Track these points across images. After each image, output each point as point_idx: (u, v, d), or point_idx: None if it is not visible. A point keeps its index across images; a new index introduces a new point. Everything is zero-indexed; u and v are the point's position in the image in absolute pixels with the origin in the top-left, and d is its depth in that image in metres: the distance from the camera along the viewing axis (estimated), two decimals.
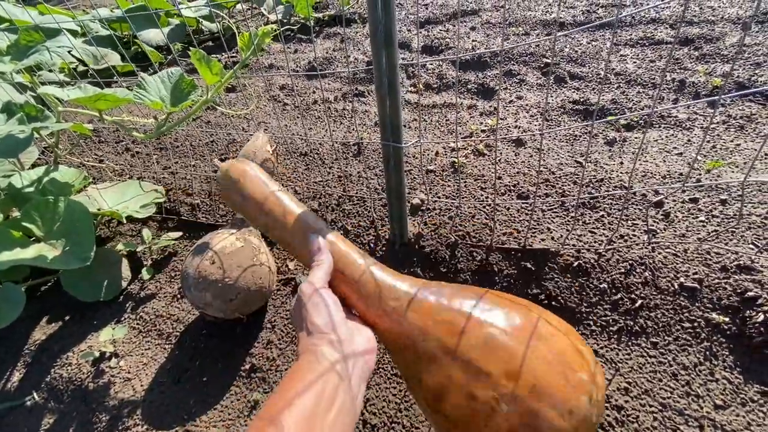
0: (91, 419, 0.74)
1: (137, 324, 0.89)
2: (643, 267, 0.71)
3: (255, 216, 0.57)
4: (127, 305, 0.93)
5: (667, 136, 1.01)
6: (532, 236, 0.79)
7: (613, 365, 0.65)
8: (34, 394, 0.81)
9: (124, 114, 0.97)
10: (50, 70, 1.62)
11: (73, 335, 0.89)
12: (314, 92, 1.50)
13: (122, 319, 0.91)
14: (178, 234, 1.04)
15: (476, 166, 1.00)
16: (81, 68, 1.80)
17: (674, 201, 0.81)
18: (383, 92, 0.59)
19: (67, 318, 0.94)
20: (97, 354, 0.82)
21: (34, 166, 1.09)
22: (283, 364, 0.75)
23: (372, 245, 0.88)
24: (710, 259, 0.70)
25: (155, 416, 0.72)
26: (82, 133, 1.04)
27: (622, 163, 0.93)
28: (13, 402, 0.81)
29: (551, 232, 0.80)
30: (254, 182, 0.57)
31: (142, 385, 0.77)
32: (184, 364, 0.79)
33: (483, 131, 1.13)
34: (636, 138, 1.01)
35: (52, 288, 1.02)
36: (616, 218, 0.80)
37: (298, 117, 1.38)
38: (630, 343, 0.67)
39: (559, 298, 0.72)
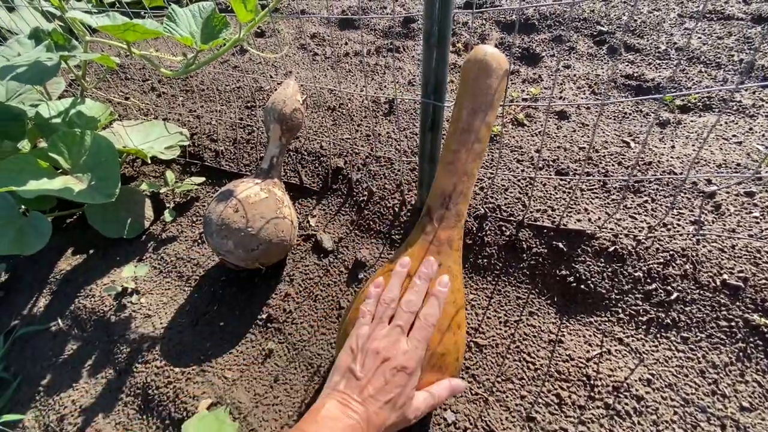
0: (112, 349, 0.77)
1: (158, 264, 0.90)
2: (684, 259, 0.67)
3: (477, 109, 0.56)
4: (149, 245, 0.94)
5: (726, 123, 0.93)
6: (567, 216, 0.75)
7: (638, 355, 0.63)
8: (59, 321, 0.84)
9: (152, 49, 0.93)
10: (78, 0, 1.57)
11: (97, 269, 0.91)
12: (346, 44, 1.43)
13: (144, 257, 0.92)
14: (201, 179, 1.03)
15: (514, 137, 0.94)
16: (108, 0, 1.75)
17: (728, 193, 0.75)
18: (432, 42, 0.53)
19: (91, 252, 0.95)
20: (119, 288, 0.83)
21: (60, 98, 1.08)
22: (299, 317, 0.75)
23: (396, 209, 0.85)
24: (760, 258, 0.65)
25: (173, 354, 0.74)
26: (108, 67, 1.01)
27: (673, 147, 0.87)
28: (38, 326, 0.85)
29: (588, 213, 0.75)
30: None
31: (161, 323, 0.78)
32: (202, 307, 0.80)
33: (524, 100, 1.06)
34: (692, 121, 0.93)
35: (77, 222, 1.03)
36: (661, 205, 0.75)
37: (327, 69, 1.32)
38: (659, 336, 0.64)
39: (589, 282, 0.69)
